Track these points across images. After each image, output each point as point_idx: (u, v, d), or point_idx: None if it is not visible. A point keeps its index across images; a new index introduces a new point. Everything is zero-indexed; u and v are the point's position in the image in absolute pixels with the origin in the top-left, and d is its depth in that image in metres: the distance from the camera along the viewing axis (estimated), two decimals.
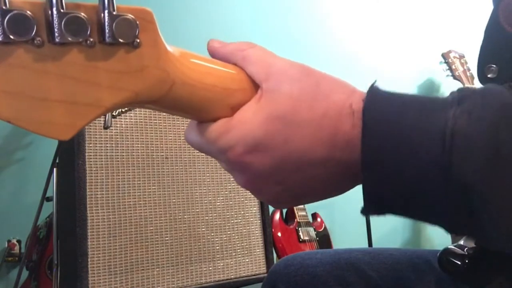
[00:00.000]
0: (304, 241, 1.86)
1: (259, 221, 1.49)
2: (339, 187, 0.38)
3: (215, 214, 1.41)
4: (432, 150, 0.31)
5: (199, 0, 2.19)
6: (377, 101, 0.34)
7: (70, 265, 1.21)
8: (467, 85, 2.33)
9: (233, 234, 1.43)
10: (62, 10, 0.29)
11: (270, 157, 0.35)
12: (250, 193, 1.57)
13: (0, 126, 1.61)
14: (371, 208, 0.35)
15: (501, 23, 0.49)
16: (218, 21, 2.21)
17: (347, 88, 0.36)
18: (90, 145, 1.23)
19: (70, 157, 1.23)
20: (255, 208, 1.49)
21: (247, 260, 1.45)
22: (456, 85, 2.40)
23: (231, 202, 1.44)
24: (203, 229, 1.38)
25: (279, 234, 1.80)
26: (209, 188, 1.41)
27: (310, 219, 1.97)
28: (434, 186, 0.32)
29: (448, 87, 2.75)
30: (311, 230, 1.92)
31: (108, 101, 0.32)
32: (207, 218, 1.39)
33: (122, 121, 1.29)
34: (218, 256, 1.39)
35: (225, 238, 1.41)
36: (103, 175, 1.24)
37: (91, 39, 0.30)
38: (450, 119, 0.31)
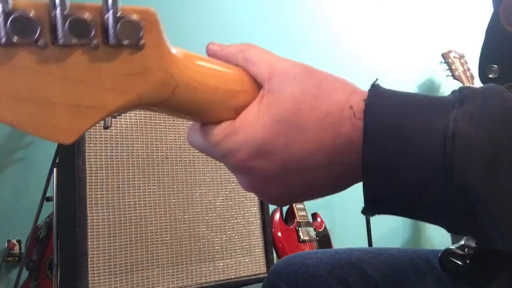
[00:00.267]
0: (304, 241, 1.86)
1: (259, 221, 1.49)
2: (340, 186, 0.38)
3: (215, 214, 1.41)
4: (433, 152, 0.31)
5: (199, 0, 2.19)
6: (378, 102, 0.34)
7: (70, 265, 1.21)
8: (467, 85, 2.33)
9: (233, 234, 1.43)
10: (66, 12, 0.29)
11: (272, 162, 0.36)
12: (250, 193, 1.56)
13: (0, 126, 1.61)
14: (371, 208, 0.36)
15: (502, 23, 0.49)
16: (218, 21, 2.21)
17: (348, 87, 0.36)
18: (90, 145, 1.23)
19: (70, 157, 1.23)
20: (255, 208, 1.49)
21: (247, 260, 1.45)
22: (456, 85, 2.40)
23: (231, 202, 1.44)
24: (203, 229, 1.38)
25: (279, 234, 1.80)
26: (209, 188, 1.41)
27: (310, 219, 1.98)
28: (435, 188, 0.32)
29: (448, 87, 2.75)
30: (311, 230, 1.92)
31: (112, 103, 0.31)
32: (207, 218, 1.39)
33: (122, 121, 1.29)
34: (218, 256, 1.39)
35: (225, 238, 1.41)
36: (103, 175, 1.24)
37: (95, 41, 0.30)
38: (451, 121, 0.31)
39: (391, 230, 2.60)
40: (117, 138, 1.28)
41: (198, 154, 1.39)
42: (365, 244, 2.11)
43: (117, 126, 1.28)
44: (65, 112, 0.30)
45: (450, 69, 2.37)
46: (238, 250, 1.44)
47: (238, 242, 1.44)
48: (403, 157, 0.32)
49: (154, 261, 1.28)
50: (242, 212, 1.46)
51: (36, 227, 1.45)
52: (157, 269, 1.29)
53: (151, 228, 1.29)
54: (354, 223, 2.23)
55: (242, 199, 1.47)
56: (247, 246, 1.45)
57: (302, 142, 0.35)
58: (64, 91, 0.30)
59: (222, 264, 1.40)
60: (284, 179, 0.37)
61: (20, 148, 1.70)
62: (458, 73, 2.36)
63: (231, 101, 0.37)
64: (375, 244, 2.18)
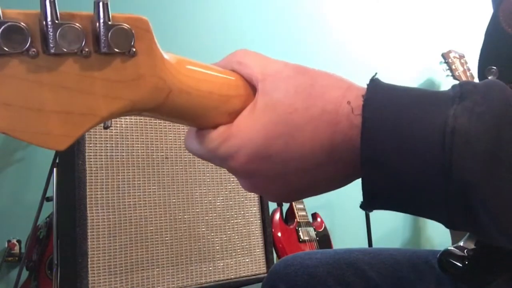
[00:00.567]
0: (304, 241, 1.86)
1: (259, 221, 1.49)
2: (342, 182, 0.38)
3: (215, 214, 1.41)
4: (432, 148, 0.31)
5: (199, 1, 2.19)
6: (377, 98, 0.34)
7: (70, 265, 1.21)
8: None
9: (233, 234, 1.43)
10: (56, 21, 0.29)
11: (272, 164, 0.36)
12: (250, 193, 1.56)
13: None
14: (370, 203, 0.36)
15: (501, 24, 0.49)
16: (219, 22, 2.21)
17: (344, 83, 0.36)
18: (90, 145, 1.23)
19: (70, 157, 1.23)
20: (255, 208, 1.49)
21: (247, 260, 1.45)
22: None
23: (231, 202, 1.44)
24: (203, 229, 1.38)
25: (279, 234, 1.80)
26: (209, 188, 1.41)
27: (310, 219, 1.98)
28: (434, 183, 0.32)
29: (448, 87, 2.74)
30: (311, 230, 1.92)
31: (104, 110, 0.31)
32: (207, 218, 1.39)
33: (122, 121, 1.29)
34: (218, 256, 1.40)
35: (225, 238, 1.41)
36: (103, 175, 1.24)
37: (86, 49, 0.30)
38: (450, 117, 0.31)
39: (391, 230, 2.60)
40: (117, 138, 1.28)
41: None
42: (365, 244, 2.11)
43: (117, 126, 1.28)
44: (57, 120, 0.30)
45: (450, 69, 2.37)
46: (238, 250, 1.44)
47: (238, 242, 1.44)
48: (402, 153, 0.32)
49: (154, 261, 1.28)
50: (242, 212, 1.46)
51: (36, 227, 1.46)
52: (157, 269, 1.29)
53: (151, 228, 1.29)
54: (354, 223, 2.23)
55: (242, 199, 1.47)
56: (247, 246, 1.45)
57: (301, 141, 0.35)
58: (56, 99, 0.30)
59: (222, 264, 1.40)
60: (285, 179, 0.37)
61: (20, 148, 1.70)
62: (458, 73, 2.36)
63: (225, 106, 0.37)
64: (375, 244, 2.18)
